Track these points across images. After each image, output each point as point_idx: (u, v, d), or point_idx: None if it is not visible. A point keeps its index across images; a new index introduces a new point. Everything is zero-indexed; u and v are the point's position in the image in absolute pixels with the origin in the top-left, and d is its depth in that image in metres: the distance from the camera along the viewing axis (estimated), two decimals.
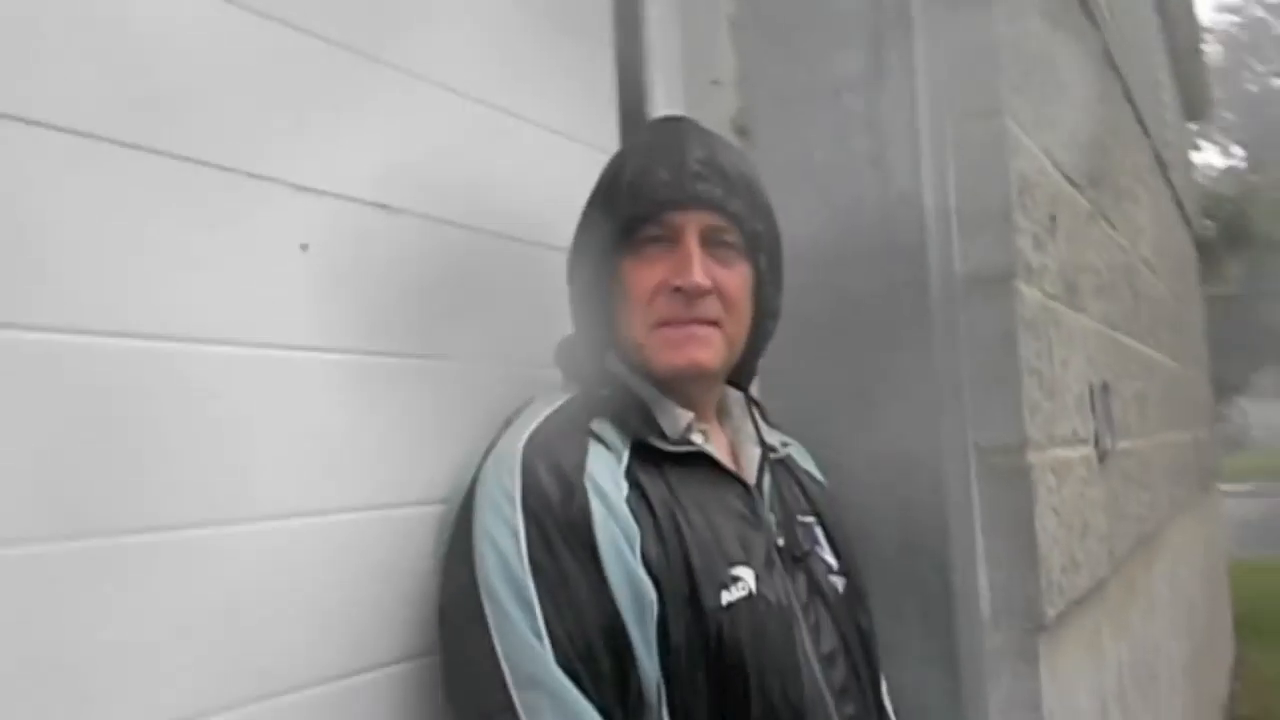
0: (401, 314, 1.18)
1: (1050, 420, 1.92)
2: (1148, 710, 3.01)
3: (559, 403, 1.17)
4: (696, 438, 1.19)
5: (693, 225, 1.16)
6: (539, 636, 1.01)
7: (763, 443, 1.27)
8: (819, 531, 1.26)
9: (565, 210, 1.26)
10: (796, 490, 1.29)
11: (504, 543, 1.04)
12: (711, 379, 1.23)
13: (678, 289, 1.15)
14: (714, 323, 1.17)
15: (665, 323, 1.16)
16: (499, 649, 1.01)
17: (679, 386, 1.19)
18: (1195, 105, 8.34)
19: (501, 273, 1.36)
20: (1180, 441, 4.61)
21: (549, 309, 1.30)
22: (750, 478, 1.22)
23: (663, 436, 1.15)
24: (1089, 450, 2.26)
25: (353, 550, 1.10)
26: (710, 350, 1.17)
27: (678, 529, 1.10)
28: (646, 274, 1.16)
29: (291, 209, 1.06)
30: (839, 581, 1.23)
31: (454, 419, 1.23)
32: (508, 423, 1.18)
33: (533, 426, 1.12)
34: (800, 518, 1.25)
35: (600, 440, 1.13)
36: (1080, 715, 2.04)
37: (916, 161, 1.66)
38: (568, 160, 1.47)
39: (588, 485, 1.07)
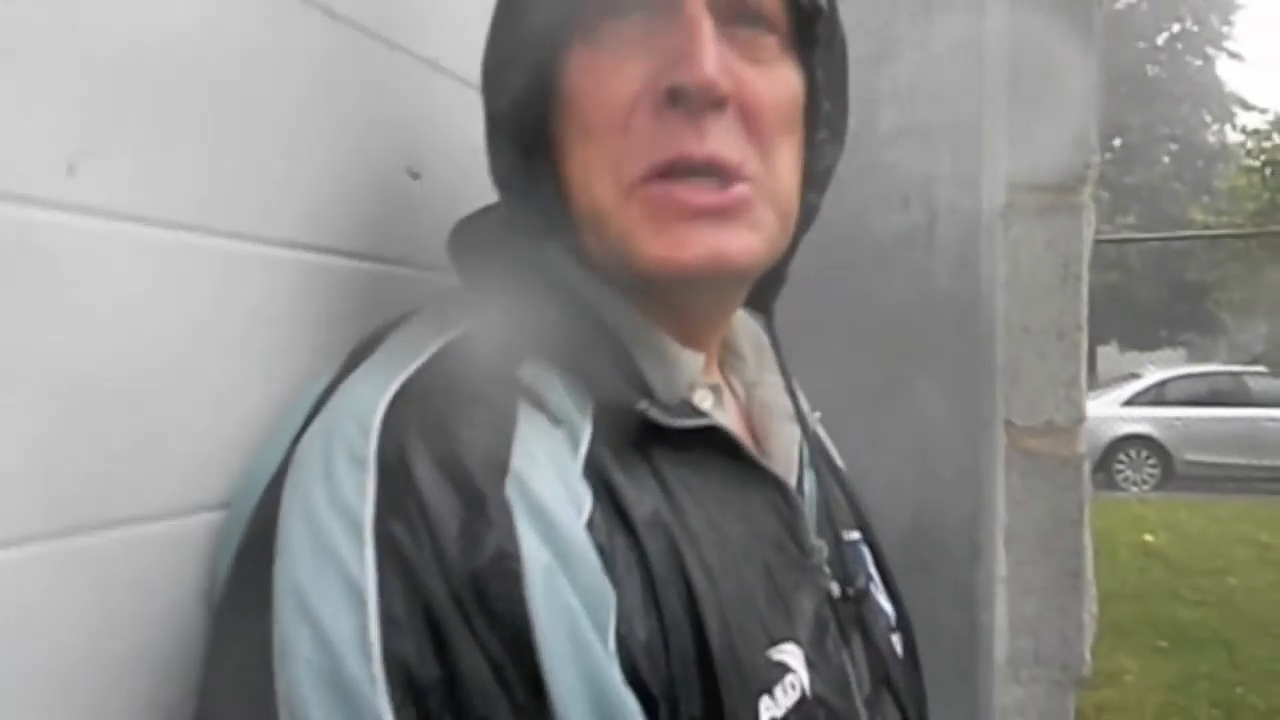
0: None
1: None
2: None
3: (456, 328, 0.61)
4: (703, 401, 0.66)
5: None
6: None
7: (800, 414, 0.73)
8: (865, 553, 0.75)
9: None
10: (834, 486, 0.77)
11: (331, 618, 0.48)
12: (738, 289, 0.68)
13: (673, 92, 0.58)
14: (740, 174, 0.60)
15: (655, 172, 0.60)
16: None
17: (675, 302, 0.64)
18: None
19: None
20: None
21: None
22: (789, 474, 0.68)
23: (649, 398, 0.60)
24: None
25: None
26: (744, 230, 0.61)
27: (686, 582, 0.55)
28: (611, 75, 0.61)
29: None
30: (897, 642, 0.73)
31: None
32: (354, 359, 0.63)
33: (407, 371, 0.57)
34: (845, 534, 0.73)
35: (539, 405, 0.58)
36: None
37: None
38: None
39: (512, 499, 0.51)
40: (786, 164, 0.65)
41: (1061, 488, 1.20)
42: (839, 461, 0.86)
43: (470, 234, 0.71)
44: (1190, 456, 11.56)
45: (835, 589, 0.68)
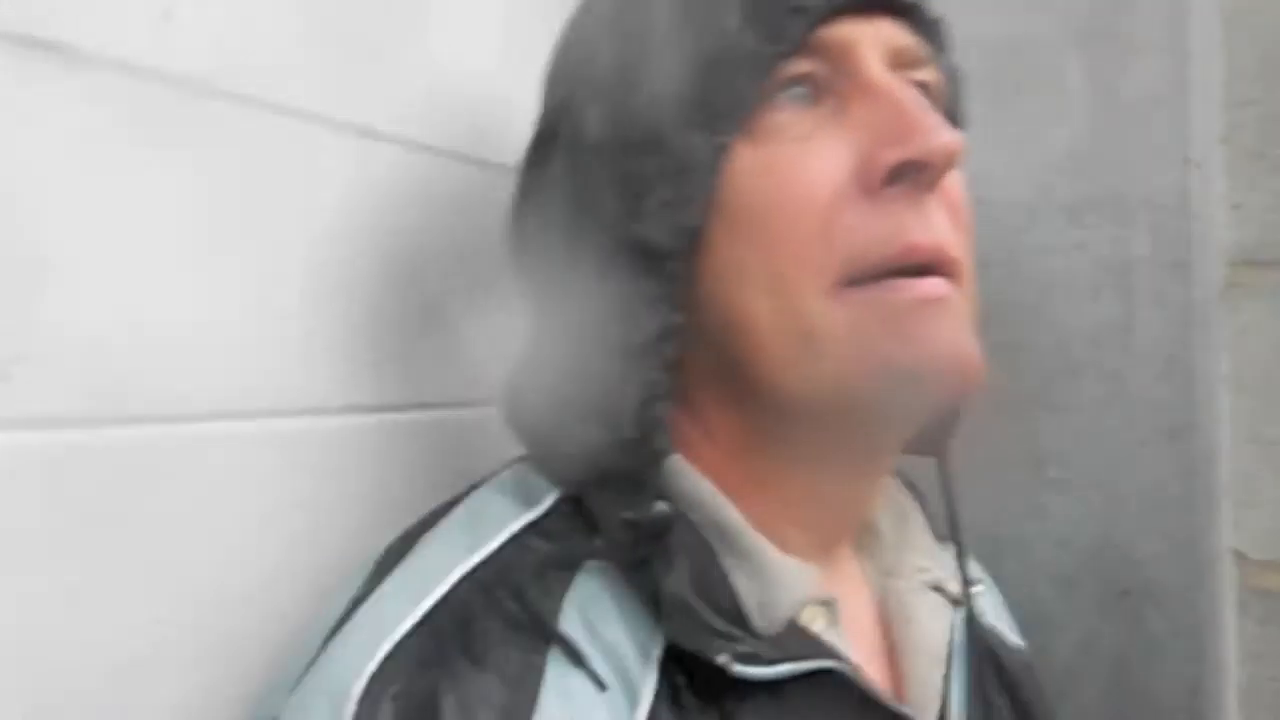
0: None
1: None
2: None
3: (489, 540, 0.49)
4: (813, 621, 0.52)
5: (870, 44, 0.52)
6: None
7: (968, 594, 0.61)
8: None
9: None
10: (997, 693, 0.62)
11: None
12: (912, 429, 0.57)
13: (900, 168, 0.48)
14: (958, 273, 0.51)
15: (873, 272, 0.49)
16: None
17: (840, 449, 0.54)
18: None
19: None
20: None
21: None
22: (927, 710, 0.54)
23: (735, 638, 0.47)
24: None
25: None
26: (971, 331, 0.51)
27: None
28: (802, 168, 0.50)
29: None
30: None
31: None
32: (384, 568, 0.51)
33: (405, 620, 0.45)
34: None
35: (576, 660, 0.45)
36: None
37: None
38: None
39: None
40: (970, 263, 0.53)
41: None
42: (1012, 635, 0.69)
43: (530, 386, 0.58)
44: None
45: None
